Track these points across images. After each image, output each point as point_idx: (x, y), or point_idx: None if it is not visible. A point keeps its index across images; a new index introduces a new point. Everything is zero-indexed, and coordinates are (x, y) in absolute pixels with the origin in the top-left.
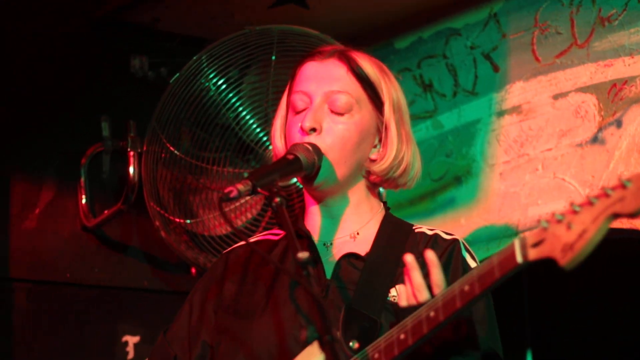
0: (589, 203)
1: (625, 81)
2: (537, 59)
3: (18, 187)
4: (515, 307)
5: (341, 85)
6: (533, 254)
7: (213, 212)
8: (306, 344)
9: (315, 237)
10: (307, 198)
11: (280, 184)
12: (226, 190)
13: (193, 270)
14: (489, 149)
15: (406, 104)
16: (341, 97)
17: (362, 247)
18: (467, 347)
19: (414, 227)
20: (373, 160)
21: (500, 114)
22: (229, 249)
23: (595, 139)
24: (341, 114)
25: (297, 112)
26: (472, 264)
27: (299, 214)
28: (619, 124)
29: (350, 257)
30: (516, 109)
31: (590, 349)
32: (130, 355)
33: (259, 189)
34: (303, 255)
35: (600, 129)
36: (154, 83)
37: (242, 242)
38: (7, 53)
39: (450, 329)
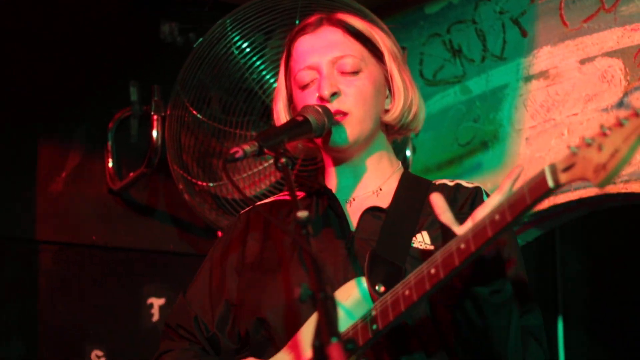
0: (619, 124)
1: None
2: (564, 24)
3: (45, 150)
4: (547, 273)
5: (343, 48)
6: (564, 177)
7: (237, 175)
8: (300, 301)
9: (339, 195)
10: (327, 159)
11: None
12: (232, 151)
13: (219, 233)
14: (516, 114)
15: (400, 51)
16: (347, 59)
17: (385, 201)
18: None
19: (434, 181)
20: (387, 111)
21: (528, 79)
22: (248, 208)
23: (621, 104)
24: (352, 74)
25: (304, 87)
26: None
27: (319, 172)
28: None
29: (374, 210)
30: (543, 74)
31: (622, 316)
32: (155, 317)
33: (265, 150)
34: (302, 214)
35: (626, 94)
36: (183, 48)
37: (260, 203)
38: (37, 17)
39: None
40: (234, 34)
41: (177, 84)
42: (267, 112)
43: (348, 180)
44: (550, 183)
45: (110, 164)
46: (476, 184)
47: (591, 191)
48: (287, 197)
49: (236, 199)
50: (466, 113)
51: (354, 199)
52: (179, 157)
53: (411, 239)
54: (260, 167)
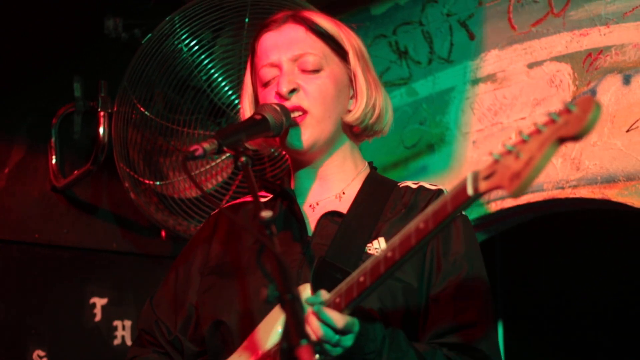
0: (537, 131)
1: (601, 51)
2: (512, 27)
3: None
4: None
5: (304, 46)
6: (484, 186)
7: (183, 174)
8: (266, 302)
9: (303, 199)
10: (293, 161)
11: (253, 148)
12: (191, 149)
13: (163, 233)
14: (463, 117)
15: (367, 51)
16: (309, 57)
17: (346, 205)
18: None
19: (398, 183)
20: (350, 111)
21: (475, 82)
22: (216, 210)
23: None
24: (313, 73)
25: (267, 85)
26: None
27: (285, 176)
28: (593, 93)
29: (333, 215)
30: (491, 77)
31: (561, 319)
32: (98, 317)
33: (224, 148)
34: (266, 214)
35: (574, 99)
36: (128, 44)
37: (230, 204)
38: None
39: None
40: (183, 31)
41: (125, 80)
42: (215, 110)
43: (310, 182)
44: (470, 191)
45: (53, 161)
46: (439, 186)
47: (539, 196)
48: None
49: (182, 198)
50: (412, 115)
51: (317, 203)
52: (125, 155)
53: (365, 245)
54: (208, 167)
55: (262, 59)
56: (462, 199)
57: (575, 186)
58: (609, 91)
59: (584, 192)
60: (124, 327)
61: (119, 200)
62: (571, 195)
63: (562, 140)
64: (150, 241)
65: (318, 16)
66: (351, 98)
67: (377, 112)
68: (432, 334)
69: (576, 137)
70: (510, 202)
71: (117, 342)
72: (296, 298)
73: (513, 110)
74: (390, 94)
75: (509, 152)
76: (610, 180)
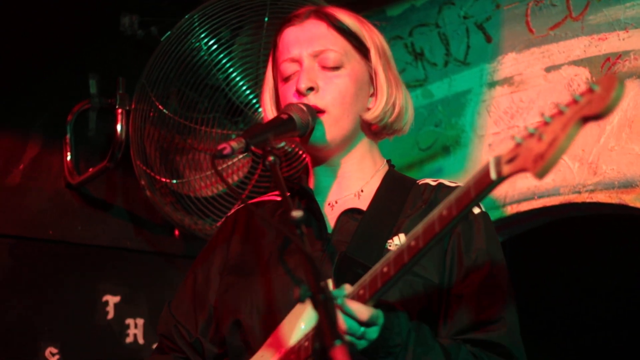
0: (559, 112)
1: (619, 55)
2: (530, 31)
3: (3, 142)
4: None
5: (326, 42)
6: (507, 170)
7: (199, 173)
8: (297, 302)
9: (321, 197)
10: (311, 159)
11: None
12: (219, 147)
13: (176, 232)
14: (479, 120)
15: (389, 49)
16: (329, 54)
17: (365, 202)
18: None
19: (417, 181)
20: (369, 109)
21: (492, 85)
22: (233, 210)
23: None
24: (333, 70)
25: (287, 80)
26: (476, 209)
27: (303, 174)
28: None
29: (352, 212)
30: (508, 81)
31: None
32: (110, 314)
33: (252, 147)
34: (297, 213)
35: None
36: (144, 42)
37: (250, 202)
38: None
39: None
40: (202, 30)
41: (143, 77)
42: (232, 109)
43: (329, 180)
44: (493, 175)
45: (68, 158)
46: (458, 183)
47: (555, 200)
48: (274, 197)
49: (198, 197)
50: (428, 117)
51: (336, 202)
52: (142, 153)
53: (386, 241)
54: (224, 165)
55: (284, 53)
56: (486, 184)
57: (592, 190)
58: (628, 96)
59: (601, 197)
60: (136, 326)
61: (132, 198)
62: (588, 200)
63: (585, 120)
64: (163, 239)
65: (341, 12)
66: (371, 96)
67: (396, 110)
68: (454, 331)
69: (600, 116)
70: (525, 206)
71: (129, 340)
72: (329, 298)
73: (530, 114)
74: None
75: (531, 134)
76: (627, 185)
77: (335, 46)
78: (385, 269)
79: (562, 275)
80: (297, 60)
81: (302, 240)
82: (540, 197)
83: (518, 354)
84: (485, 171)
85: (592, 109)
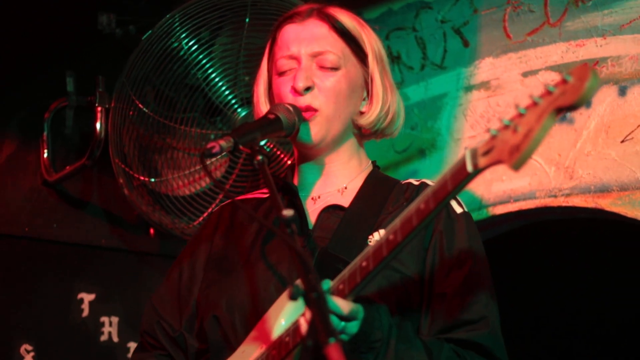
0: (534, 103)
1: (597, 62)
2: (508, 36)
3: None
4: None
5: (325, 44)
6: (483, 162)
7: (177, 172)
8: (292, 300)
9: (305, 193)
10: (298, 155)
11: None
12: (209, 146)
13: (152, 230)
14: (455, 124)
15: (386, 55)
16: (328, 55)
17: (348, 199)
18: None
19: (400, 181)
20: (362, 113)
21: (468, 89)
22: (218, 207)
23: (563, 118)
24: (330, 71)
25: (282, 74)
26: (458, 209)
27: (289, 170)
28: (588, 104)
29: (334, 208)
30: (484, 85)
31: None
32: (85, 312)
33: (240, 146)
34: (288, 212)
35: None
36: (122, 41)
37: (233, 200)
38: None
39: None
40: (182, 29)
41: (123, 76)
42: (212, 109)
43: (314, 177)
44: (469, 168)
45: (45, 155)
46: None
47: (531, 203)
48: (258, 195)
49: (176, 195)
50: (404, 120)
51: (319, 197)
52: (120, 151)
53: (367, 237)
54: (199, 167)
55: (282, 49)
56: (462, 176)
57: (568, 195)
58: (605, 102)
59: (577, 201)
60: (111, 324)
61: (109, 197)
62: (564, 204)
63: (559, 111)
64: (138, 238)
65: (343, 14)
66: (364, 100)
67: (390, 116)
68: (436, 330)
69: (574, 106)
70: (501, 209)
71: (104, 338)
72: (321, 296)
73: (507, 118)
74: None
75: (506, 126)
76: (603, 190)
77: (335, 48)
78: (364, 264)
79: (537, 278)
80: (296, 58)
81: (293, 239)
82: (516, 200)
83: (500, 354)
84: (462, 164)
85: (566, 100)
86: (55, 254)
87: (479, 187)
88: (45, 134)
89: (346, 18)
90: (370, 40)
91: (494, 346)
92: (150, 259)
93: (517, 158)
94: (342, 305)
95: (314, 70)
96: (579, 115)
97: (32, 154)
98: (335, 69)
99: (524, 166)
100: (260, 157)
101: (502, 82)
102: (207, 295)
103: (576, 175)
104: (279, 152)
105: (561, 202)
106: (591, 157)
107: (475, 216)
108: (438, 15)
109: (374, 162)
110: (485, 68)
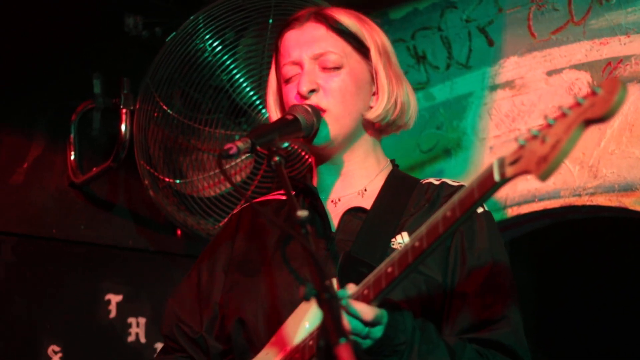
0: (562, 115)
1: (620, 60)
2: (532, 35)
3: (7, 141)
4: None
5: (325, 45)
6: (510, 171)
7: (202, 173)
8: (302, 301)
9: (325, 195)
10: (314, 158)
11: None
12: (226, 147)
13: (179, 231)
14: (480, 123)
15: (391, 45)
16: (329, 56)
17: (369, 201)
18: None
19: (420, 180)
20: (372, 108)
21: (493, 88)
22: (237, 209)
23: None
24: (333, 71)
25: (289, 82)
26: (479, 209)
27: (307, 172)
28: None
29: (356, 210)
30: (509, 84)
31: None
32: (113, 313)
33: (258, 148)
34: (302, 213)
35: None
36: (148, 42)
37: (254, 201)
38: (0, 8)
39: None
40: (207, 30)
41: (148, 77)
42: (236, 110)
43: (332, 179)
44: (497, 177)
45: (72, 157)
46: (461, 183)
47: (555, 202)
48: (278, 197)
49: (202, 197)
50: (429, 120)
51: (339, 199)
52: (146, 153)
53: (390, 240)
54: (227, 166)
55: (285, 56)
56: (489, 185)
57: (592, 194)
58: (629, 100)
59: (601, 200)
60: (138, 324)
61: (136, 198)
62: (588, 203)
63: (588, 123)
64: (166, 239)
65: (340, 13)
66: (373, 94)
67: (399, 107)
68: (458, 330)
69: (603, 119)
70: (526, 209)
71: (131, 339)
72: (334, 297)
73: (531, 117)
74: None
75: (534, 137)
76: (627, 189)
77: (335, 48)
78: (389, 269)
79: (562, 277)
80: (298, 63)
81: (308, 240)
82: (540, 199)
83: (522, 353)
84: (489, 173)
85: (595, 112)
86: (83, 255)
87: (503, 188)
88: (72, 135)
89: (344, 17)
90: (372, 34)
91: (516, 345)
92: (177, 259)
93: (545, 169)
94: (367, 311)
95: (317, 72)
96: None
97: (59, 155)
98: (338, 68)
99: (551, 177)
100: (277, 158)
101: (526, 81)
102: (230, 297)
103: (600, 174)
104: (302, 152)
105: (585, 201)
106: (615, 155)
107: (500, 215)
108: (463, 15)
109: (392, 161)
110: (509, 67)
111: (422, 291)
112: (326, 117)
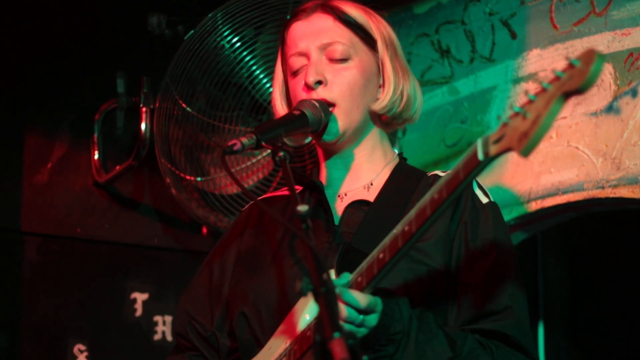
0: (543, 90)
1: None
2: (554, 27)
3: (31, 140)
4: (528, 278)
5: (332, 35)
6: (494, 150)
7: (224, 170)
8: (301, 295)
9: (331, 190)
10: (321, 152)
11: (292, 143)
12: (230, 143)
13: (204, 229)
14: (504, 116)
15: (396, 38)
16: (336, 46)
17: (373, 195)
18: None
19: (427, 173)
20: (378, 100)
21: (517, 81)
22: (247, 205)
23: (610, 108)
24: (341, 62)
25: (296, 74)
26: (484, 199)
27: (314, 167)
28: (634, 93)
29: (360, 203)
30: (532, 77)
31: (603, 321)
32: (139, 312)
33: (263, 143)
34: (302, 208)
35: (615, 98)
36: (172, 41)
37: (261, 198)
38: (24, 8)
39: None
40: (225, 28)
41: (167, 76)
42: (257, 107)
43: (339, 173)
44: (480, 156)
45: (96, 156)
46: None
47: (579, 195)
48: (285, 192)
49: (223, 194)
50: (454, 114)
51: (345, 194)
52: (166, 151)
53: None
54: (249, 163)
55: (291, 47)
56: (474, 165)
57: (615, 186)
58: None
59: (624, 192)
60: (164, 323)
61: (160, 196)
62: (611, 195)
63: (567, 95)
64: (191, 237)
65: (347, 5)
66: (380, 86)
67: (404, 99)
68: (462, 320)
69: (579, 90)
70: (550, 202)
71: (157, 337)
72: (330, 291)
73: None
74: (431, 93)
75: (516, 114)
76: None
77: (342, 38)
78: (381, 255)
79: (588, 270)
80: (305, 54)
81: (308, 234)
82: (564, 192)
83: (526, 343)
84: (473, 152)
85: (573, 84)
86: (108, 254)
87: (527, 180)
88: (95, 135)
89: (350, 8)
90: (379, 26)
91: (520, 336)
92: (202, 257)
93: (526, 144)
94: (360, 298)
95: (324, 64)
96: (625, 105)
97: (83, 155)
98: (345, 59)
99: (532, 152)
100: (281, 154)
101: (549, 73)
102: (235, 291)
103: (623, 165)
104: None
105: (609, 193)
106: (638, 147)
107: (524, 209)
108: (486, 8)
109: (400, 154)
110: (533, 60)
111: (425, 283)
112: (335, 111)
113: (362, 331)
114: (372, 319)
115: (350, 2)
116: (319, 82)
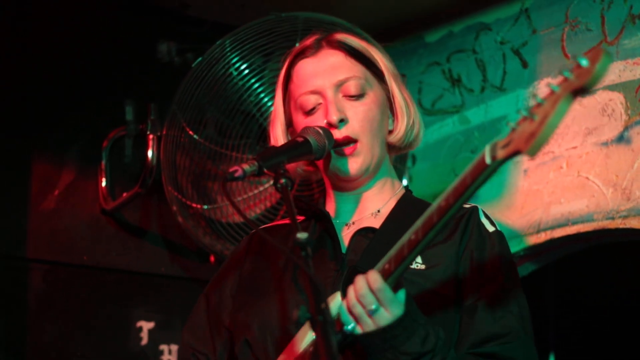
0: (551, 92)
1: None
2: (566, 56)
3: (38, 167)
4: (538, 309)
5: (346, 71)
6: (502, 153)
7: (224, 197)
8: (298, 323)
9: (339, 219)
10: (329, 183)
11: (302, 173)
12: (231, 170)
13: (212, 257)
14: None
15: (395, 68)
16: (352, 82)
17: (380, 222)
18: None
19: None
20: (391, 132)
21: None
22: (250, 233)
23: (621, 138)
24: (357, 99)
25: (310, 113)
26: (490, 228)
27: (320, 196)
28: None
29: (366, 231)
30: None
31: (613, 352)
32: (144, 341)
33: (265, 170)
34: (301, 235)
35: (626, 128)
36: (181, 68)
37: (263, 227)
38: (33, 33)
39: None
40: (233, 55)
41: (174, 103)
42: (264, 135)
43: (350, 206)
44: (488, 160)
45: (103, 184)
46: (473, 204)
47: (589, 226)
48: (288, 222)
49: (230, 222)
50: (464, 143)
51: (353, 223)
52: (173, 178)
53: None
54: (256, 191)
55: (301, 86)
56: (481, 169)
57: (625, 217)
58: None
59: (634, 223)
60: (170, 352)
61: (167, 224)
62: (621, 226)
63: (574, 94)
64: (198, 266)
65: (351, 38)
66: (392, 118)
67: (416, 128)
68: (468, 345)
69: (586, 88)
70: (559, 232)
71: None
72: (327, 320)
73: (565, 139)
74: (442, 122)
75: (524, 118)
76: None
77: (357, 73)
78: (386, 266)
79: (597, 302)
80: (319, 92)
81: (306, 262)
82: (574, 223)
83: None
84: (481, 157)
85: (579, 83)
86: (114, 282)
87: (537, 211)
88: (103, 162)
89: (355, 41)
90: (382, 58)
91: (526, 359)
92: None
93: (532, 144)
94: (387, 290)
95: (342, 101)
96: (636, 135)
97: (91, 182)
98: (361, 95)
99: (539, 152)
100: (283, 181)
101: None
102: (238, 318)
103: (633, 196)
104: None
105: (619, 224)
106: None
107: (534, 240)
108: (497, 37)
109: (406, 187)
110: (544, 89)
111: (433, 309)
112: (359, 149)
113: (367, 323)
114: (384, 318)
115: (351, 34)
116: (342, 120)
